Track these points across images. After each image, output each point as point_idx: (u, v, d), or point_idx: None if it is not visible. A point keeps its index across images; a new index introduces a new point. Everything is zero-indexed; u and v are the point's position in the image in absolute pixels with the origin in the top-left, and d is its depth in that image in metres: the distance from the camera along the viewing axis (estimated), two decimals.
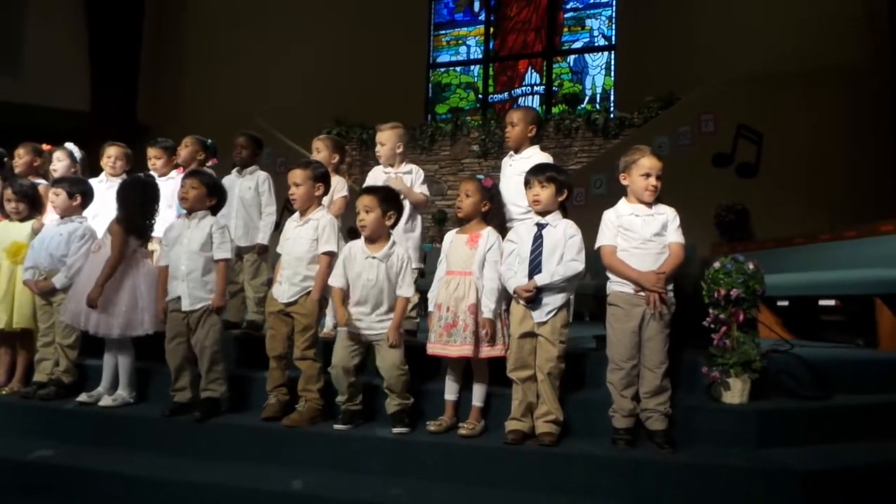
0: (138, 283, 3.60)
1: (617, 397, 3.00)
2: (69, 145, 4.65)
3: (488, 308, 3.09)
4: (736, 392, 3.12)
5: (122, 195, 3.70)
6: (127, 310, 3.54)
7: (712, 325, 3.18)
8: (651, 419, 2.97)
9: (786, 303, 4.98)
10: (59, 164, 4.56)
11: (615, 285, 3.07)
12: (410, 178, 3.96)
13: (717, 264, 3.22)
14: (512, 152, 3.82)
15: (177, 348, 3.43)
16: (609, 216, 3.14)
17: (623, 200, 3.18)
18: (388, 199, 3.25)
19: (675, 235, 3.07)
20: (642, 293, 2.98)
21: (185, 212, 3.59)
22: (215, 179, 3.70)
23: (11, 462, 3.18)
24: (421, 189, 3.99)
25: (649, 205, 3.10)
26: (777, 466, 2.77)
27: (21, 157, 4.51)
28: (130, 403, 3.59)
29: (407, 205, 3.88)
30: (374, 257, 3.18)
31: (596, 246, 3.12)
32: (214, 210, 3.58)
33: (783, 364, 3.37)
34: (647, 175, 3.07)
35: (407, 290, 3.21)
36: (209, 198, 3.53)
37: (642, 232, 3.05)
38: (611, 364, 3.05)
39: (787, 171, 7.98)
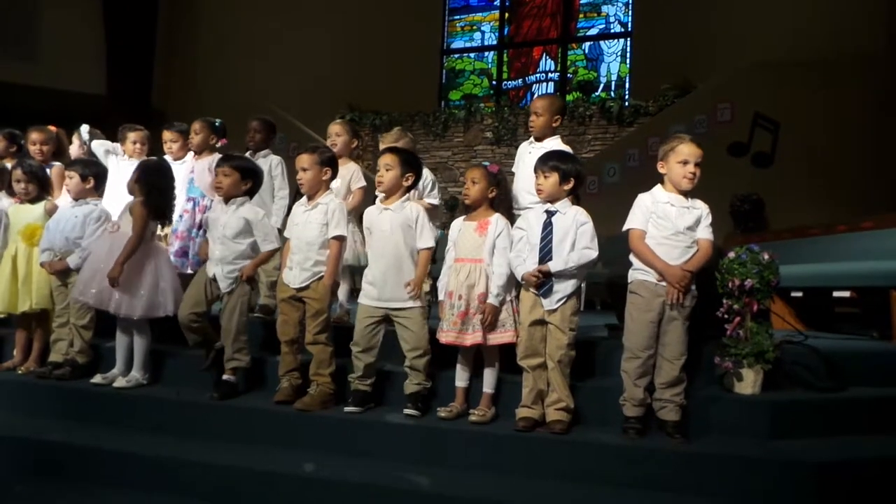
0: (160, 266, 3.65)
1: (630, 386, 2.99)
2: (82, 128, 4.67)
3: (493, 294, 3.08)
4: (748, 382, 3.10)
5: (147, 178, 3.71)
6: (149, 292, 3.58)
7: (726, 315, 3.16)
8: (665, 409, 2.95)
9: (800, 294, 4.95)
10: (74, 147, 4.59)
11: (638, 273, 3.02)
12: (420, 185, 3.93)
13: (731, 254, 3.19)
14: (533, 139, 3.79)
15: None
16: (644, 199, 3.08)
17: (659, 187, 3.11)
18: (409, 161, 3.33)
19: (706, 232, 3.03)
20: (664, 283, 2.95)
21: (196, 194, 3.61)
22: (248, 163, 3.70)
23: (26, 441, 3.22)
24: (430, 200, 3.99)
25: (686, 196, 3.05)
26: (789, 457, 2.76)
27: (45, 145, 4.51)
28: (144, 385, 3.63)
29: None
30: (387, 209, 3.26)
31: (625, 227, 3.07)
32: (252, 192, 3.57)
33: (797, 355, 3.34)
34: (686, 162, 3.01)
35: (427, 240, 3.24)
36: (243, 182, 3.52)
37: (676, 223, 2.99)
38: (626, 353, 3.02)
39: (803, 161, 7.90)
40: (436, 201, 4.06)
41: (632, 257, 3.06)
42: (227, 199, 3.52)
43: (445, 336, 3.14)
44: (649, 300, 2.97)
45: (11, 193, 4.14)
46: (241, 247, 3.47)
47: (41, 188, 4.07)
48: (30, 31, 10.04)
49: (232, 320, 3.43)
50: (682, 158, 3.02)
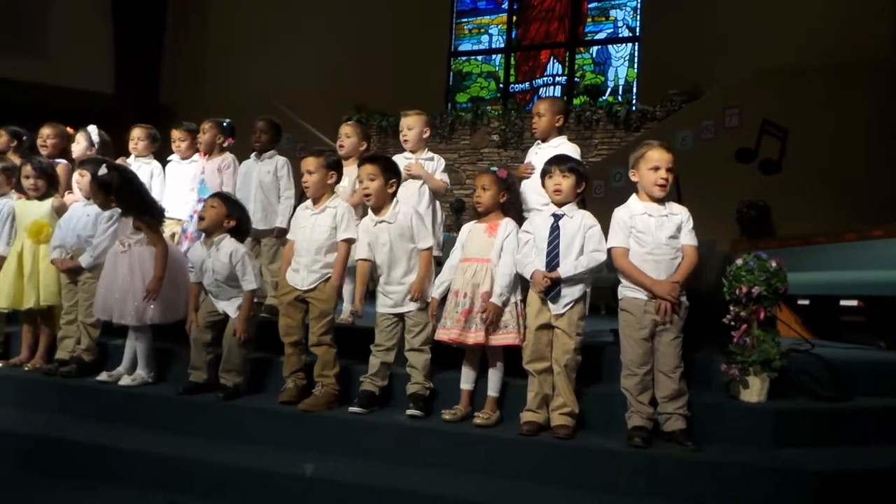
0: (177, 270, 3.67)
1: (634, 402, 2.95)
2: (91, 128, 4.69)
3: (496, 294, 3.08)
4: (754, 390, 3.09)
5: (124, 193, 3.68)
6: (168, 295, 3.60)
7: (732, 323, 3.15)
8: (670, 421, 2.94)
9: (806, 302, 4.93)
10: (77, 146, 4.60)
11: (627, 290, 3.00)
12: (432, 166, 3.95)
13: (739, 261, 3.18)
14: (539, 141, 3.80)
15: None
16: (621, 215, 3.04)
17: (634, 198, 3.08)
18: (390, 168, 3.36)
19: (688, 238, 2.99)
20: (653, 300, 2.93)
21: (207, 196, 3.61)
22: (234, 200, 3.71)
23: (32, 437, 3.24)
24: (441, 177, 3.98)
25: (662, 203, 3.02)
26: (794, 466, 2.74)
27: (51, 139, 4.55)
28: (149, 383, 3.64)
29: (426, 192, 3.88)
30: (382, 220, 3.29)
31: (607, 246, 3.05)
32: (235, 231, 3.55)
33: (803, 364, 3.33)
34: (657, 168, 2.98)
35: (425, 240, 3.28)
36: (228, 219, 3.51)
37: (657, 235, 2.96)
38: (624, 370, 3.00)
39: (811, 168, 7.86)
40: (447, 179, 4.05)
41: (618, 274, 3.05)
42: (208, 234, 3.52)
43: (448, 333, 3.14)
44: (639, 317, 2.95)
45: (19, 190, 4.16)
46: (231, 277, 3.47)
47: (49, 185, 4.08)
48: (38, 29, 10.07)
49: (231, 341, 3.44)
50: (652, 164, 2.99)
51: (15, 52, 9.62)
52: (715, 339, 3.22)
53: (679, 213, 3.02)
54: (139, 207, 3.69)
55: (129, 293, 3.54)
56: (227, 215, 3.51)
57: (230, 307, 3.47)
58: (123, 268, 3.60)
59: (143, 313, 3.56)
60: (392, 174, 3.34)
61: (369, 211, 3.38)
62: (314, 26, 10.83)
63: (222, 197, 3.61)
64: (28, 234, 4.00)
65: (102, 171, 3.65)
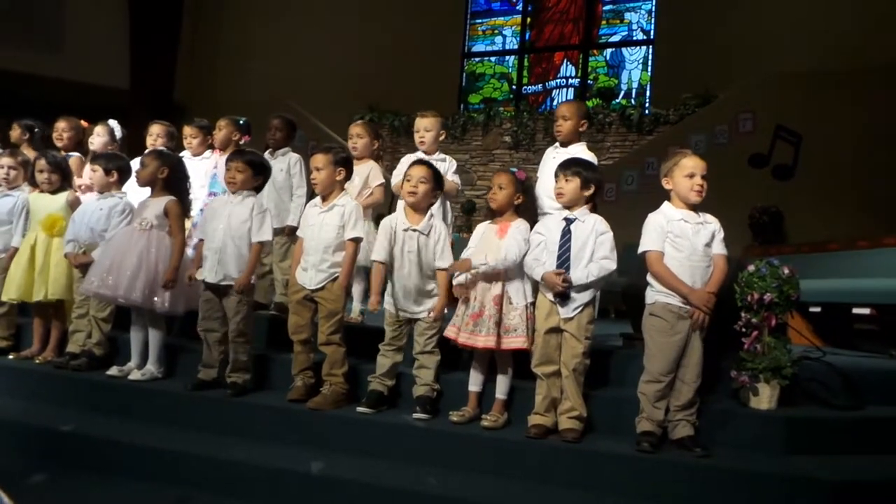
0: (185, 265, 3.67)
1: (648, 408, 2.93)
2: (112, 122, 4.72)
3: (482, 262, 3.07)
4: (764, 398, 3.07)
5: (177, 175, 3.76)
6: (188, 285, 3.60)
7: (743, 329, 3.13)
8: (678, 427, 2.93)
9: (818, 309, 4.89)
10: (98, 139, 4.63)
11: (661, 296, 2.96)
12: (444, 166, 3.95)
13: (751, 268, 3.16)
14: (558, 144, 3.78)
15: (207, 326, 3.50)
16: (657, 219, 3.02)
17: (667, 204, 3.06)
18: (439, 178, 3.38)
19: (720, 248, 2.99)
20: (688, 306, 2.91)
21: (219, 190, 3.62)
22: (258, 157, 3.71)
23: (42, 430, 3.26)
24: (453, 178, 3.98)
25: (696, 211, 3.01)
26: (804, 474, 2.72)
27: (66, 132, 4.60)
28: (159, 378, 3.66)
29: (440, 205, 3.88)
30: (415, 230, 3.25)
31: (641, 250, 3.02)
32: (259, 188, 3.60)
33: (814, 371, 3.30)
34: (692, 175, 2.98)
35: (445, 261, 3.26)
36: (255, 178, 3.55)
37: (694, 241, 2.95)
38: (647, 375, 2.96)
39: (824, 174, 7.81)
40: (458, 181, 4.05)
41: (650, 278, 3.02)
42: (234, 192, 3.55)
43: (456, 332, 3.14)
44: (674, 324, 2.92)
45: (33, 183, 4.19)
46: (242, 237, 3.45)
47: (63, 179, 4.12)
48: (54, 23, 10.16)
49: (231, 337, 3.45)
50: (687, 172, 2.99)
51: (31, 47, 9.72)
52: (725, 346, 3.20)
53: (712, 223, 3.02)
54: (181, 193, 3.75)
55: (142, 272, 3.53)
56: (254, 175, 3.54)
57: (212, 267, 3.43)
58: (139, 246, 3.58)
59: (152, 297, 3.55)
60: (439, 186, 3.36)
61: (399, 211, 3.36)
62: (328, 26, 10.87)
63: (243, 157, 3.57)
64: (42, 227, 4.03)
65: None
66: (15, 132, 4.80)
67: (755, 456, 2.89)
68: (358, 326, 3.97)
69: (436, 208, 3.68)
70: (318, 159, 3.40)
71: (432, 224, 3.30)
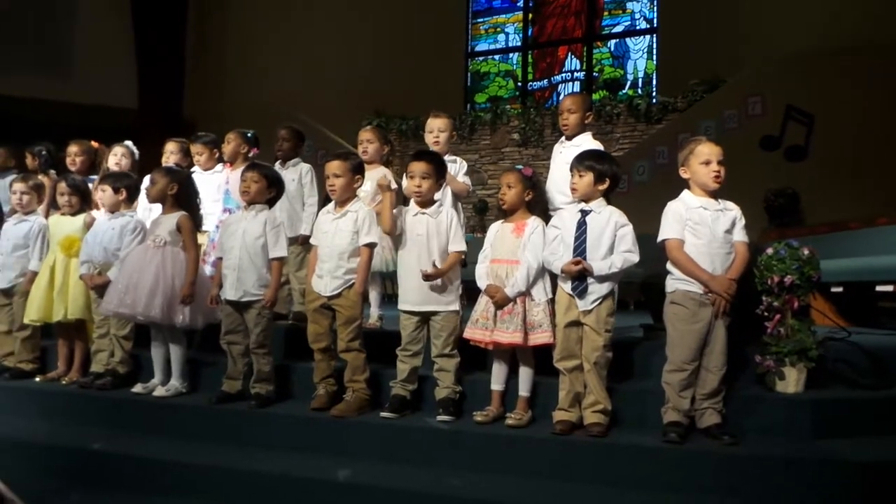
0: (202, 279, 3.71)
1: (674, 398, 2.91)
2: (128, 143, 4.77)
3: (510, 284, 3.07)
4: (791, 381, 3.03)
5: (186, 190, 3.79)
6: (206, 298, 3.62)
7: (765, 313, 3.10)
8: (705, 415, 2.90)
9: (840, 289, 4.83)
10: (125, 160, 4.66)
11: (681, 283, 2.94)
12: (455, 168, 3.94)
13: (770, 250, 3.13)
14: (564, 139, 3.77)
15: (230, 339, 3.53)
16: (676, 207, 3.00)
17: (687, 192, 3.04)
18: (441, 167, 3.40)
19: (741, 234, 2.97)
20: (710, 294, 2.89)
21: (233, 206, 3.64)
22: (274, 171, 3.74)
23: (70, 450, 3.29)
24: (464, 179, 3.97)
25: (716, 198, 2.99)
26: (835, 457, 2.69)
27: (79, 156, 4.66)
28: (183, 393, 3.68)
29: (448, 194, 3.88)
30: (423, 213, 3.30)
31: (660, 238, 3.00)
32: (272, 202, 3.63)
33: (840, 352, 3.26)
34: (708, 162, 2.95)
35: (459, 244, 3.27)
36: (269, 189, 3.58)
37: (714, 228, 2.93)
38: (670, 364, 2.94)
39: (838, 153, 7.71)
40: (469, 182, 4.04)
41: (670, 266, 3.00)
42: (249, 204, 3.56)
43: (480, 335, 3.13)
44: (695, 311, 2.90)
45: (54, 206, 4.25)
46: (259, 252, 3.47)
47: (83, 201, 4.17)
48: (63, 49, 10.30)
49: (253, 349, 3.48)
50: (703, 159, 2.97)
51: (42, 73, 9.86)
52: (748, 331, 3.16)
53: (733, 210, 2.99)
54: (192, 209, 3.78)
55: (160, 289, 3.55)
56: (268, 186, 3.56)
57: (233, 284, 3.45)
58: (155, 263, 3.61)
59: (172, 313, 3.58)
60: (442, 175, 3.39)
61: (410, 202, 3.40)
62: (330, 34, 10.91)
63: (259, 169, 3.60)
64: (60, 248, 4.08)
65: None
66: (29, 160, 4.93)
67: (784, 441, 2.86)
68: (377, 331, 3.97)
69: (440, 194, 3.65)
70: (335, 166, 3.40)
71: (442, 210, 3.33)
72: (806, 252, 3.10)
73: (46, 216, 4.40)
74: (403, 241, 3.32)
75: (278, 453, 3.13)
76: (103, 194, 3.98)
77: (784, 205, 7.77)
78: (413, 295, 3.27)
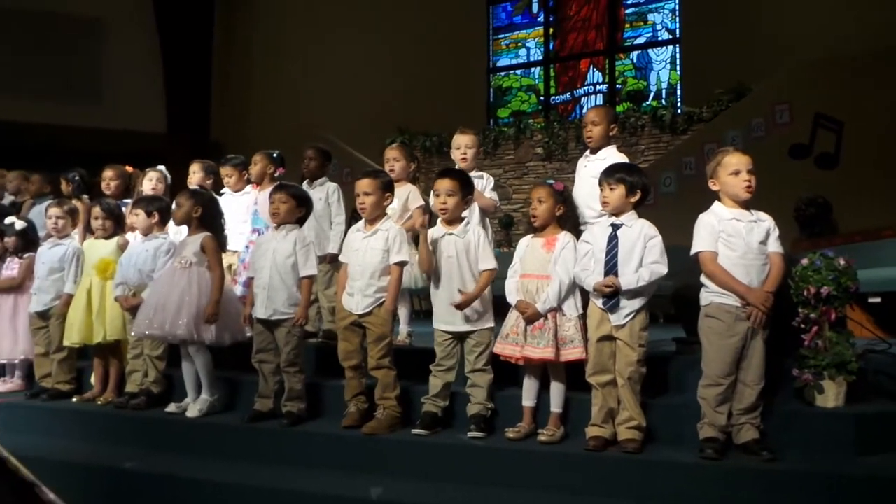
0: (228, 297, 3.75)
1: (710, 413, 2.85)
2: (161, 167, 4.87)
3: (542, 300, 3.05)
4: (831, 395, 2.96)
5: (210, 211, 3.86)
6: (233, 316, 3.68)
7: (802, 325, 3.03)
8: (742, 431, 2.84)
9: (878, 299, 4.71)
10: (160, 185, 4.75)
11: (716, 296, 2.88)
12: (482, 184, 3.94)
13: (805, 261, 3.07)
14: (588, 152, 3.76)
15: (261, 358, 3.55)
16: (708, 219, 2.95)
17: (718, 204, 2.99)
18: (467, 184, 3.38)
19: (776, 245, 2.92)
20: (746, 307, 2.83)
21: (262, 226, 3.68)
22: (302, 191, 3.79)
23: (105, 469, 3.33)
24: (491, 195, 3.97)
25: (748, 209, 2.94)
26: (879, 473, 2.62)
27: (113, 181, 4.78)
28: (216, 406, 3.71)
29: (476, 210, 3.88)
30: (451, 233, 3.29)
31: (693, 251, 2.95)
32: (302, 220, 3.67)
33: (881, 365, 3.20)
34: (738, 172, 2.90)
35: (488, 262, 3.26)
36: (298, 209, 3.62)
37: (748, 239, 2.87)
38: (706, 379, 2.88)
39: (871, 160, 7.55)
40: (496, 198, 4.04)
41: (704, 279, 2.95)
42: (279, 225, 3.60)
43: (511, 350, 3.12)
44: (731, 325, 2.84)
45: (89, 230, 4.34)
46: (290, 272, 3.50)
47: (117, 224, 4.26)
48: (94, 77, 10.55)
49: (284, 368, 3.50)
50: (732, 169, 2.92)
51: (72, 101, 10.11)
52: (785, 344, 3.10)
53: (766, 220, 2.94)
54: (216, 230, 3.84)
55: (185, 307, 3.59)
56: (297, 206, 3.61)
57: (262, 303, 3.49)
58: (181, 284, 3.66)
59: (197, 330, 3.61)
60: (469, 191, 3.38)
61: (437, 222, 3.40)
62: (353, 54, 11.03)
63: (287, 190, 3.65)
64: (96, 271, 4.16)
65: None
66: (63, 185, 5.08)
67: (826, 457, 2.79)
68: (406, 348, 3.97)
69: (469, 212, 3.66)
70: (366, 184, 3.41)
71: (469, 229, 3.32)
72: (842, 262, 3.04)
73: (82, 240, 4.50)
74: (435, 262, 3.32)
75: (311, 471, 3.14)
76: (136, 217, 4.06)
77: (816, 214, 7.61)
78: (448, 315, 3.27)
